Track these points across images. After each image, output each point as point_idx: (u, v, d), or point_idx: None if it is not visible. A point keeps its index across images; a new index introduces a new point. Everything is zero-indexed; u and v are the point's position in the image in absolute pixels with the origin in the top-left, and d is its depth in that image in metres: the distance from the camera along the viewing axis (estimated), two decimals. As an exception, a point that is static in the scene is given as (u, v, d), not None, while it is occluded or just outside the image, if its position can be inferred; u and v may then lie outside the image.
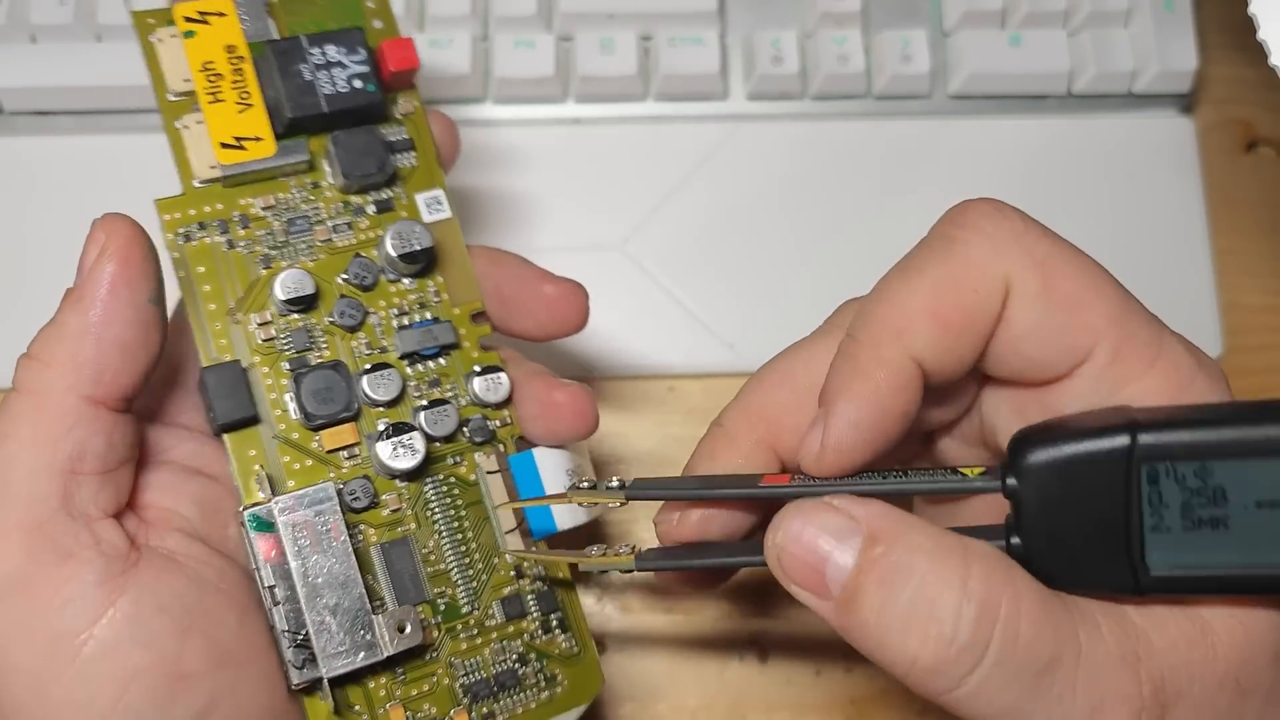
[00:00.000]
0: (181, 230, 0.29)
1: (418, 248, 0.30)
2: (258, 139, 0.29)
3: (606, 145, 0.43)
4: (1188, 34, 0.43)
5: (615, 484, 0.27)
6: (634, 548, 0.27)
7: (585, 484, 0.28)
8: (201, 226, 0.29)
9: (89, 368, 0.26)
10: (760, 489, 0.25)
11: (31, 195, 0.42)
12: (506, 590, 0.30)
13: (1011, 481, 0.23)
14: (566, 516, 0.30)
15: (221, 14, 0.30)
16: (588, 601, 0.39)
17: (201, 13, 0.29)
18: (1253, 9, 0.37)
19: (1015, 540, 0.23)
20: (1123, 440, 0.22)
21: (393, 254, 0.29)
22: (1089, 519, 0.22)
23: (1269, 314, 0.43)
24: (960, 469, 0.24)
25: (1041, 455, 0.23)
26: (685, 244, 0.42)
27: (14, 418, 0.26)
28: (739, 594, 0.39)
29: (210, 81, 0.29)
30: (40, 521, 0.25)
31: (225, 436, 0.28)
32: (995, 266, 0.24)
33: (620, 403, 0.41)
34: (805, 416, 0.25)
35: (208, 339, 0.29)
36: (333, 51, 0.30)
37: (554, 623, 0.30)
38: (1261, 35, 0.36)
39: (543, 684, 0.30)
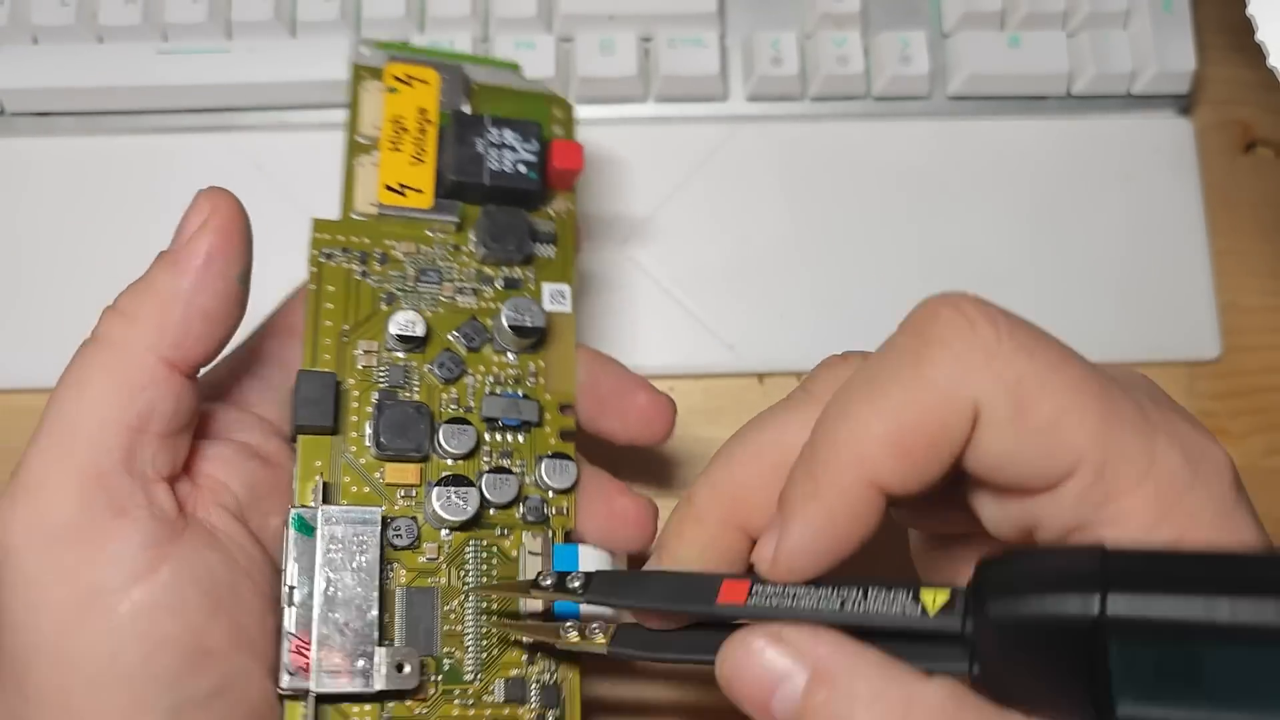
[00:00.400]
0: (326, 250, 0.31)
1: (529, 324, 0.31)
2: (419, 190, 0.32)
3: (606, 146, 0.43)
4: (1186, 35, 0.44)
5: (576, 585, 0.26)
6: (610, 627, 0.27)
7: (548, 582, 0.27)
8: (344, 251, 0.31)
9: (173, 331, 0.27)
10: (715, 607, 0.24)
11: (33, 196, 0.42)
12: (513, 672, 0.30)
13: (969, 625, 0.22)
14: (594, 610, 0.29)
15: (425, 82, 0.33)
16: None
17: (409, 76, 0.33)
18: (1251, 10, 0.37)
19: (976, 669, 0.22)
20: (1091, 608, 0.20)
21: (505, 324, 0.31)
22: (1052, 668, 0.21)
23: (1268, 314, 0.43)
24: (924, 592, 0.23)
25: (1002, 607, 0.21)
26: (685, 244, 0.42)
27: (92, 366, 0.26)
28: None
29: (395, 133, 0.32)
30: (101, 472, 0.26)
31: (299, 438, 0.29)
32: (963, 391, 0.22)
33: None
34: (772, 496, 0.25)
35: (315, 349, 0.30)
36: (509, 135, 0.32)
37: (550, 719, 0.30)
38: (1260, 36, 0.37)
39: None
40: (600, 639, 0.27)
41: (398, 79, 0.33)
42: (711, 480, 0.26)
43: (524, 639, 0.29)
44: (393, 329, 0.30)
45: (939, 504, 0.25)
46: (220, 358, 0.29)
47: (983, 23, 0.44)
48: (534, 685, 0.30)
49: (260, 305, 0.42)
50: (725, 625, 0.25)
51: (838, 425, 0.23)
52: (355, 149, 0.32)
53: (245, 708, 0.26)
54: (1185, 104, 0.45)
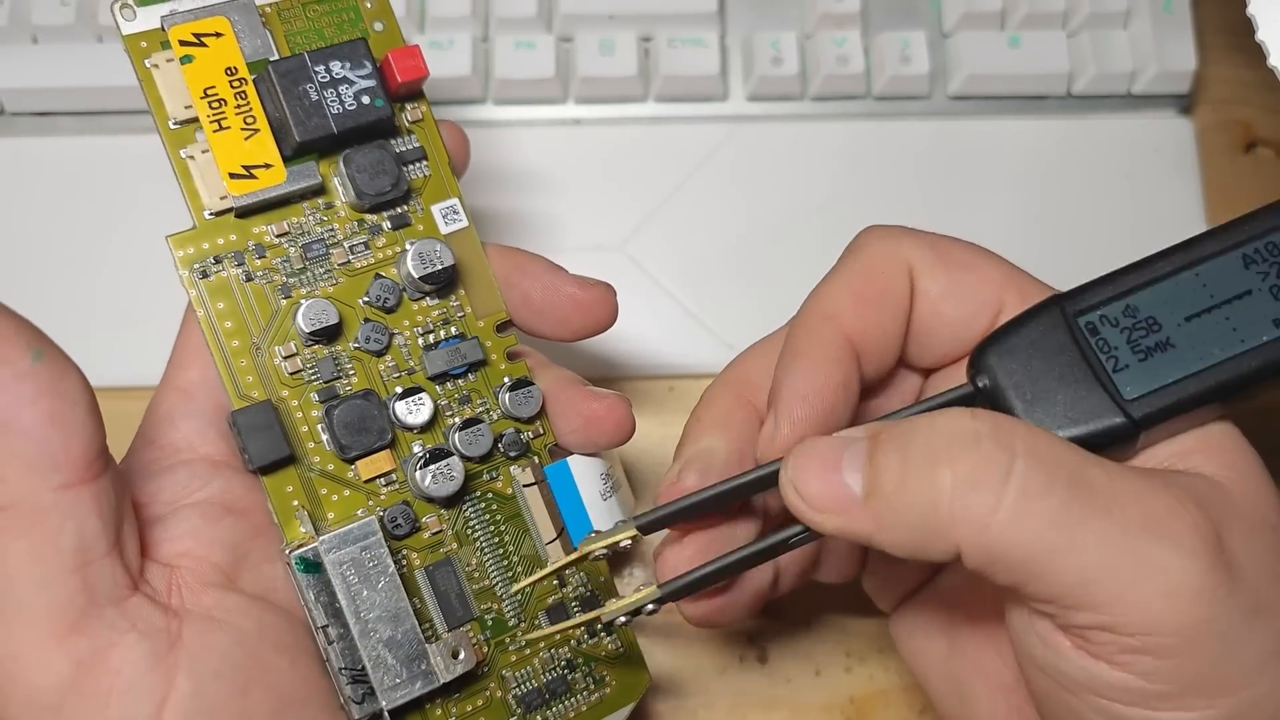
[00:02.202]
0: (198, 266, 0.28)
1: (440, 267, 0.29)
2: (267, 165, 0.28)
3: (607, 146, 0.43)
4: (1186, 35, 0.44)
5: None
6: (658, 587, 0.27)
7: (594, 533, 0.28)
8: (217, 260, 0.28)
9: (36, 459, 0.23)
10: (739, 479, 0.27)
11: (32, 196, 0.42)
12: (550, 600, 0.30)
13: (982, 379, 0.26)
14: (605, 518, 0.31)
15: (218, 34, 0.28)
16: (588, 601, 0.39)
17: (197, 35, 0.28)
18: (1251, 10, 0.37)
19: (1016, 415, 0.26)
20: (1055, 309, 0.26)
21: (415, 275, 0.29)
22: (1061, 382, 0.25)
23: (1268, 314, 0.43)
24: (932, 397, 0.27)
25: (995, 347, 0.26)
26: (685, 244, 0.42)
27: (2, 538, 0.24)
28: (739, 594, 0.39)
29: (213, 108, 0.28)
30: (71, 625, 0.24)
31: (262, 479, 0.28)
32: (895, 254, 0.28)
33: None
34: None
35: (234, 376, 0.28)
36: (338, 68, 0.29)
37: (599, 626, 0.30)
38: (1260, 36, 0.36)
39: (592, 686, 0.31)
40: (650, 591, 0.27)
41: (185, 43, 0.28)
42: (724, 375, 0.30)
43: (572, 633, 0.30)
44: (304, 326, 0.28)
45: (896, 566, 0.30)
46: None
47: (983, 23, 0.44)
48: (573, 604, 0.31)
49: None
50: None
51: (806, 304, 0.28)
52: (175, 139, 0.28)
53: None
54: (1186, 104, 0.45)
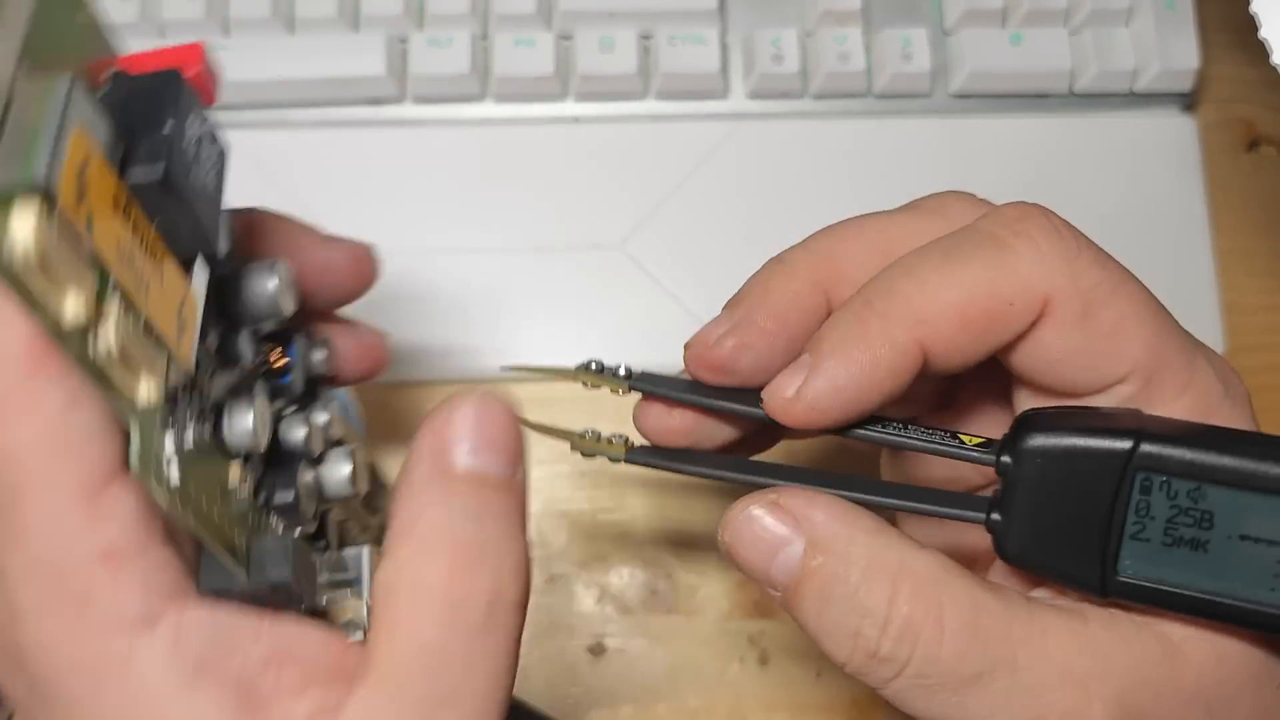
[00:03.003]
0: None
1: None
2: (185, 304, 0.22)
3: (606, 144, 0.43)
4: (1189, 32, 0.43)
5: (622, 372, 0.26)
6: (627, 441, 0.26)
7: (594, 365, 0.26)
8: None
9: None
10: (753, 410, 0.25)
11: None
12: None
13: (1006, 459, 0.23)
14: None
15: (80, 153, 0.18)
16: (586, 601, 0.39)
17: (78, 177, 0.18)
18: (1254, 7, 0.36)
19: (995, 516, 0.23)
20: (1125, 444, 0.22)
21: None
22: (1073, 512, 0.23)
23: (1271, 314, 0.43)
24: (961, 434, 0.24)
25: (1041, 439, 0.23)
26: (685, 244, 0.42)
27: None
28: (739, 594, 0.39)
29: (131, 274, 0.20)
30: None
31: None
32: (1039, 285, 0.23)
33: (619, 402, 0.41)
34: (868, 272, 0.25)
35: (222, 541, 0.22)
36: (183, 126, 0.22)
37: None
38: (1263, 34, 0.36)
39: None
40: (618, 446, 0.26)
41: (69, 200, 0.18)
42: (810, 245, 0.26)
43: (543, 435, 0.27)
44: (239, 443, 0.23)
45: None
46: None
47: (984, 20, 0.44)
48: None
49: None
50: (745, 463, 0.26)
51: (902, 282, 0.24)
52: (70, 339, 0.18)
53: None
54: (1188, 102, 0.44)
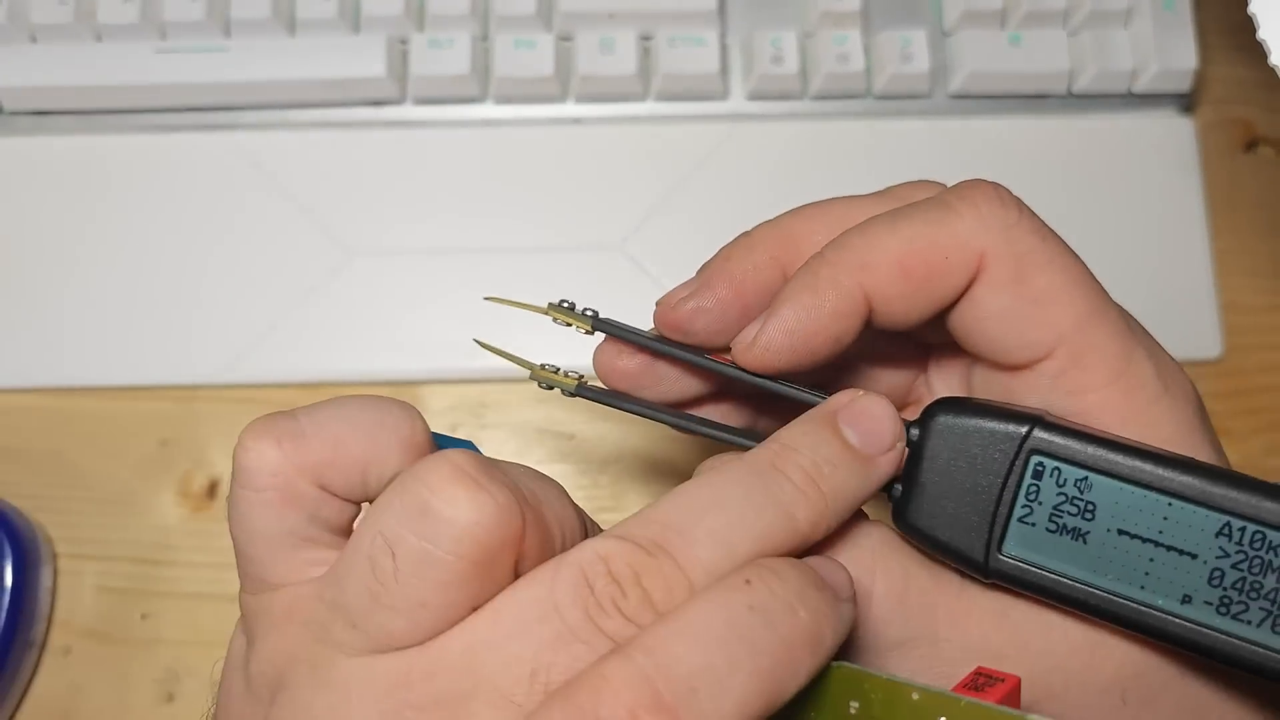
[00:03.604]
0: None
1: None
2: None
3: (606, 145, 0.43)
4: (1187, 34, 0.43)
5: (588, 313, 0.27)
6: (581, 378, 0.27)
7: (565, 304, 0.27)
8: None
9: None
10: (704, 358, 0.26)
11: (31, 195, 0.42)
12: None
13: (914, 432, 0.24)
14: None
15: None
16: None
17: None
18: (1252, 9, 0.37)
19: (897, 486, 0.24)
20: (1023, 428, 0.23)
21: None
22: (968, 490, 0.24)
23: (1269, 314, 0.43)
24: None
25: (949, 418, 0.24)
26: (685, 244, 0.42)
27: None
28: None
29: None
30: None
31: None
32: (975, 243, 0.24)
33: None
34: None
35: None
36: None
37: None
38: (1261, 35, 0.36)
39: None
40: (571, 380, 0.27)
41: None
42: (776, 223, 0.27)
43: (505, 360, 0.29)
44: None
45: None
46: None
47: (983, 21, 0.44)
48: None
49: (262, 309, 0.42)
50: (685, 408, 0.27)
51: (853, 237, 0.25)
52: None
53: None
54: (1186, 103, 0.44)
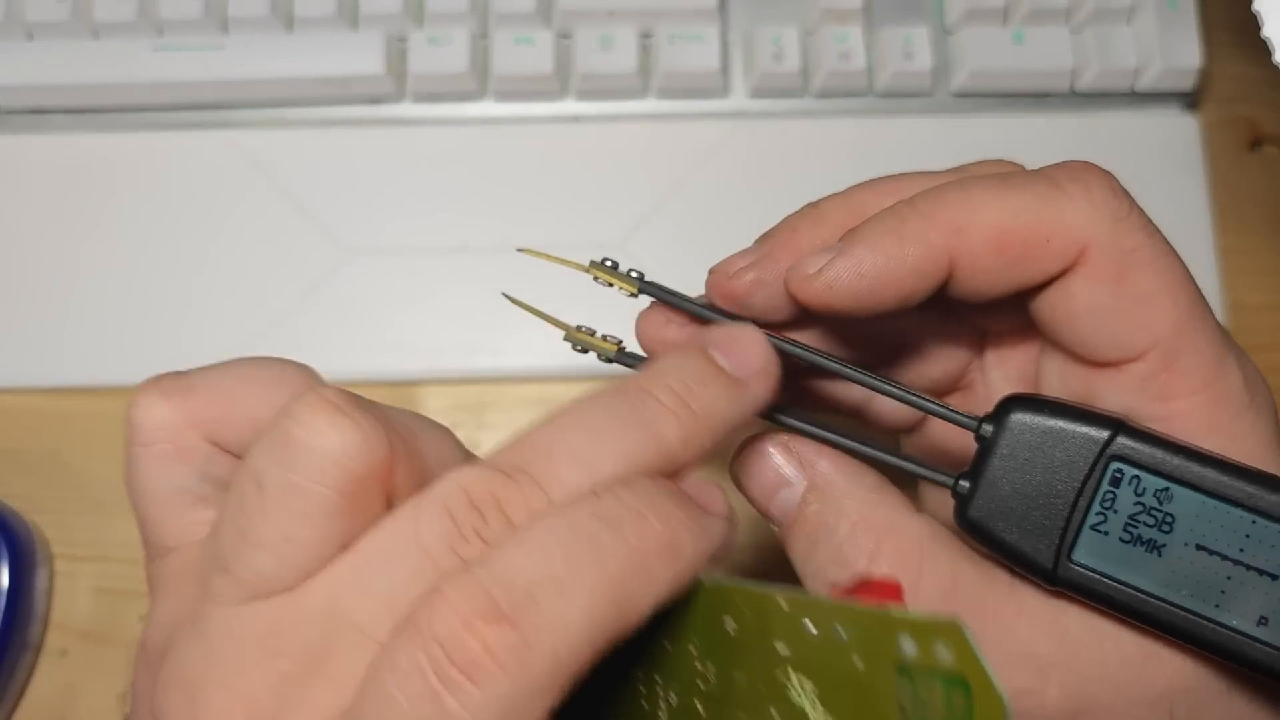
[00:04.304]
0: None
1: None
2: None
3: (606, 143, 0.43)
4: (1191, 31, 0.43)
5: (634, 274, 0.26)
6: (620, 344, 0.26)
7: (609, 263, 0.27)
8: None
9: None
10: (765, 330, 0.24)
11: (27, 193, 0.42)
12: None
13: (988, 427, 0.23)
14: None
15: None
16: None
17: None
18: (1256, 6, 0.36)
19: (964, 482, 0.24)
20: (1105, 432, 0.22)
21: None
22: (1040, 492, 0.23)
23: (1274, 313, 0.43)
24: (947, 401, 0.25)
25: (1026, 416, 0.23)
26: (685, 243, 0.42)
27: None
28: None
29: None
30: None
31: None
32: (1081, 231, 0.23)
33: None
34: None
35: None
36: None
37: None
38: (1266, 33, 0.36)
39: None
40: (611, 345, 0.26)
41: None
42: (848, 195, 0.26)
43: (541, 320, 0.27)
44: None
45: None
46: None
47: (986, 19, 0.43)
48: None
49: (260, 308, 0.41)
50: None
51: (952, 193, 0.23)
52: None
53: None
54: (1191, 101, 0.44)
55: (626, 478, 0.20)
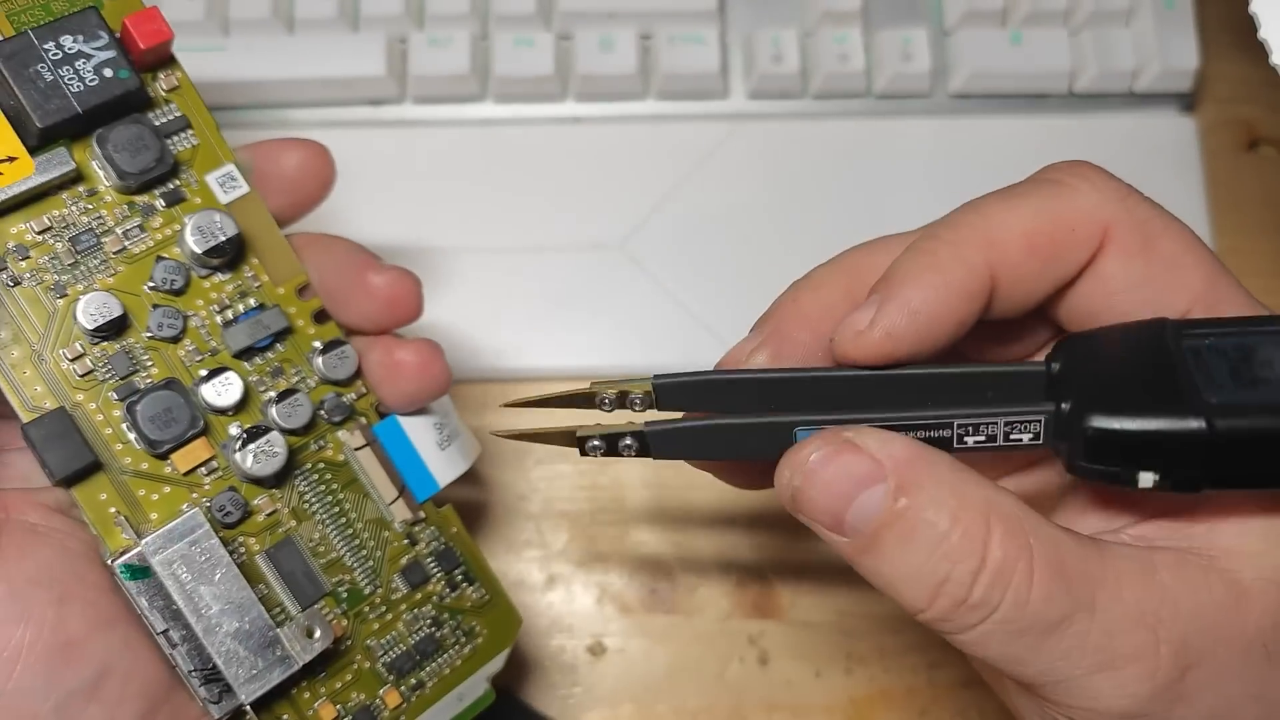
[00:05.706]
0: None
1: (222, 239, 0.27)
2: (10, 159, 0.26)
3: (606, 144, 0.43)
4: (1189, 33, 0.43)
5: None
6: (635, 442, 0.24)
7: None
8: None
9: None
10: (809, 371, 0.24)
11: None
12: (404, 560, 0.30)
13: (1055, 365, 0.23)
14: (445, 469, 0.30)
15: None
16: (586, 601, 0.39)
17: None
18: (1254, 8, 0.36)
19: (1064, 405, 0.23)
20: (1157, 325, 0.23)
21: (198, 251, 0.27)
22: (1137, 380, 0.22)
23: (1271, 314, 0.43)
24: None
25: (1083, 338, 0.24)
26: (685, 244, 0.42)
27: None
28: (739, 594, 0.39)
29: None
30: None
31: (71, 490, 0.26)
32: (1098, 214, 0.24)
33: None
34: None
35: (18, 389, 0.26)
36: (70, 42, 0.26)
37: (459, 578, 0.30)
38: (1263, 34, 0.36)
39: (463, 640, 0.30)
40: (631, 446, 0.24)
41: None
42: (837, 262, 0.26)
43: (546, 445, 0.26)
44: (87, 323, 0.26)
45: None
46: None
47: (984, 20, 0.43)
48: (429, 561, 0.30)
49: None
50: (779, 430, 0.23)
51: (967, 214, 0.24)
52: None
53: (138, 682, 0.26)
54: (1188, 102, 0.44)
55: None
